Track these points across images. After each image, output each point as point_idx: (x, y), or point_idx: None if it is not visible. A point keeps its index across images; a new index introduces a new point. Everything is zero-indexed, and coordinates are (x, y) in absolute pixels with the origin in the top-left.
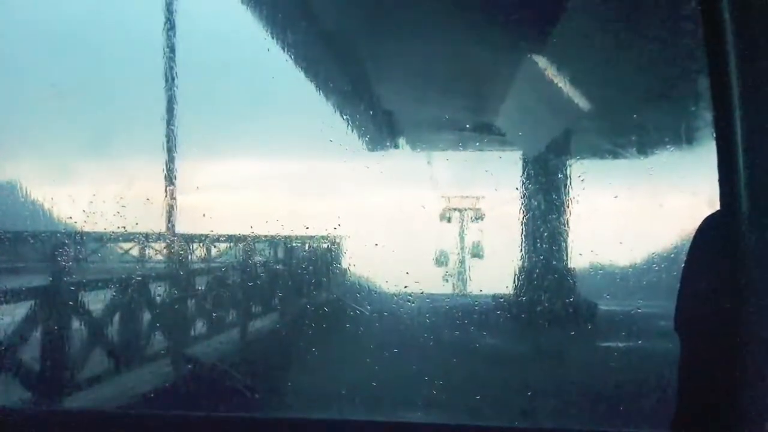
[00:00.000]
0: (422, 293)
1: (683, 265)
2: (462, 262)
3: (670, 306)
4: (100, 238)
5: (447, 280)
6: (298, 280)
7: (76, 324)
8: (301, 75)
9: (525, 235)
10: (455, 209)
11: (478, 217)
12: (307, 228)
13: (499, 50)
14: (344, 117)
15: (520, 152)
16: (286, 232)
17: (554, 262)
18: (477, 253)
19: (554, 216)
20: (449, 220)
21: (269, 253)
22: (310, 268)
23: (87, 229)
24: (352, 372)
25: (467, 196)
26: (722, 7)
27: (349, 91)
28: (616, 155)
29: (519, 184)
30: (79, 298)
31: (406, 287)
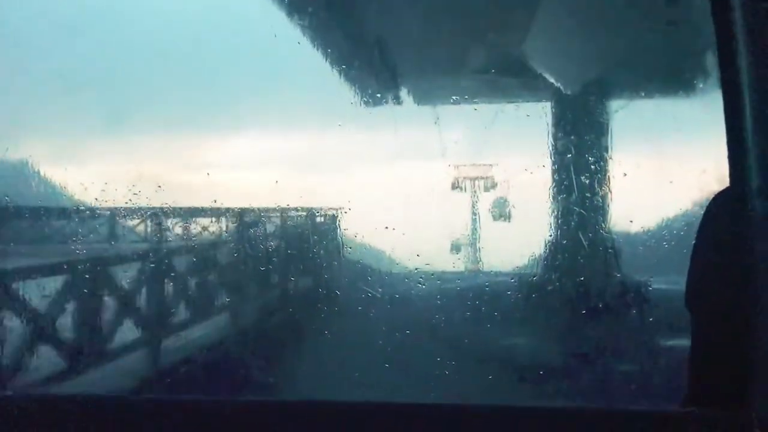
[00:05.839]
0: (429, 266)
1: (693, 241)
2: (476, 230)
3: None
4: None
5: (458, 252)
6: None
7: None
8: (300, 35)
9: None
10: (467, 178)
11: (491, 185)
12: (313, 199)
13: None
14: (349, 81)
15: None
16: (293, 205)
17: (577, 238)
18: (501, 214)
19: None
20: (463, 189)
21: (273, 229)
22: (315, 237)
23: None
24: (361, 348)
25: (481, 164)
26: None
27: (355, 51)
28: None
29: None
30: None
31: (418, 255)
